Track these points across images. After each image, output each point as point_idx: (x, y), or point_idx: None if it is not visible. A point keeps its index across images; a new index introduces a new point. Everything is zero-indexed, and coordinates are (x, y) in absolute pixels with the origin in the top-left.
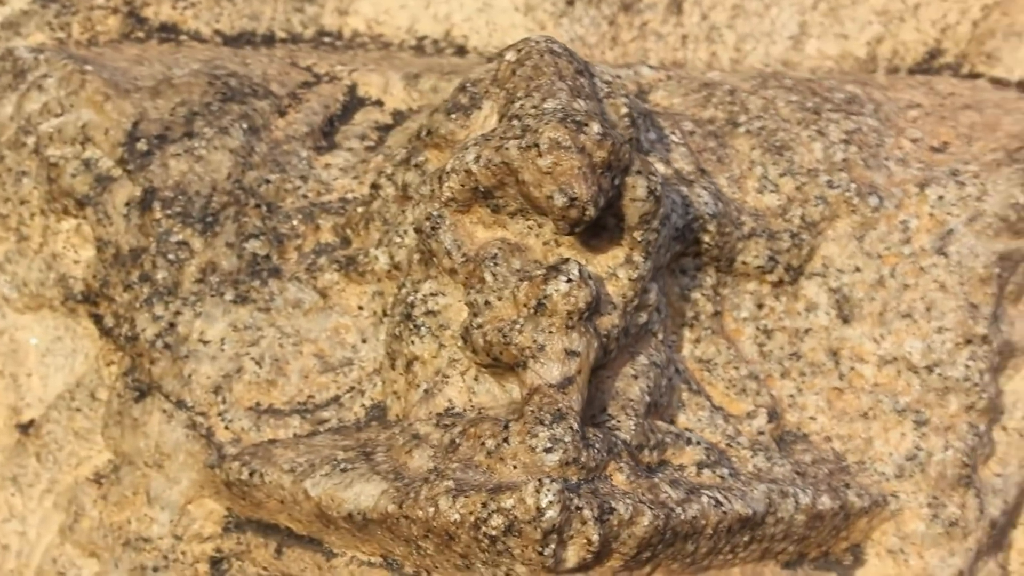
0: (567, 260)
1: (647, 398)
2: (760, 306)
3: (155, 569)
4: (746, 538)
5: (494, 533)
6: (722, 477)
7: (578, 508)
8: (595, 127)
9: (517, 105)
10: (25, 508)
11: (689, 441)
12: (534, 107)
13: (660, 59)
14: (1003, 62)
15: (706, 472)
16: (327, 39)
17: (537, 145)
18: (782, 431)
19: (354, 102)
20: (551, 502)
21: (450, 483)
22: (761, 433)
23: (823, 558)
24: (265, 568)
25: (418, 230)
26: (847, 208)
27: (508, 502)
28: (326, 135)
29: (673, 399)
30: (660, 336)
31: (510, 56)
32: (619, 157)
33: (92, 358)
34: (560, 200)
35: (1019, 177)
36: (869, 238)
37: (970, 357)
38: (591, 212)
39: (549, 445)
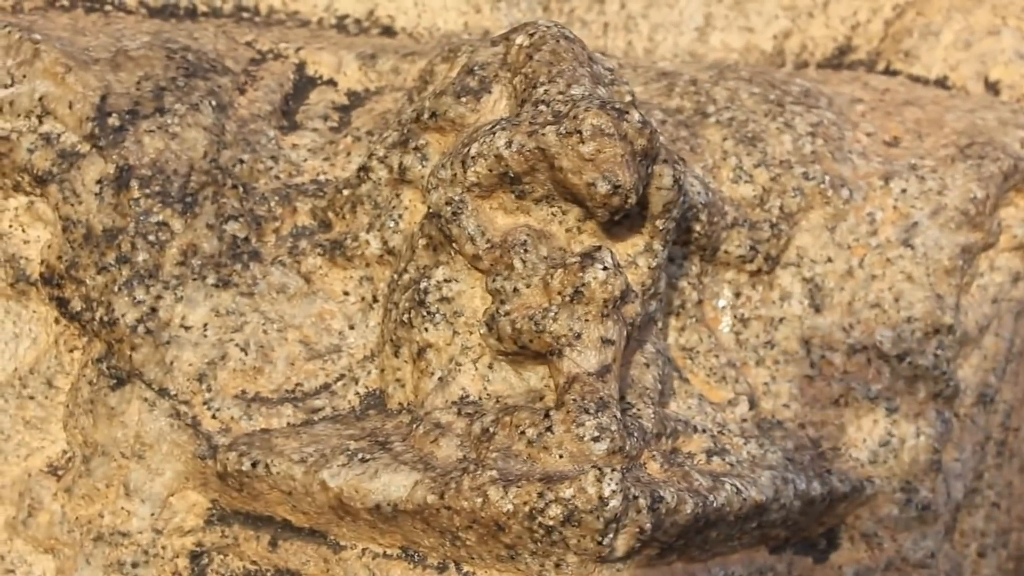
0: (599, 248)
1: (659, 386)
2: (738, 295)
3: (134, 564)
4: (753, 524)
5: (551, 523)
6: (731, 464)
7: (635, 497)
8: (635, 115)
9: (541, 91)
10: None
11: (696, 429)
12: (560, 93)
13: None
14: (920, 60)
15: (715, 459)
16: (245, 14)
17: (579, 131)
18: (759, 419)
19: (305, 81)
20: (614, 491)
21: (494, 473)
22: (744, 420)
23: (801, 542)
24: (255, 562)
25: (435, 215)
26: (821, 199)
27: (567, 492)
28: (285, 114)
29: (666, 387)
30: (660, 324)
31: (521, 40)
32: (654, 145)
33: (45, 344)
34: (604, 187)
35: (974, 172)
36: (840, 229)
37: (938, 346)
38: (633, 199)
39: (596, 434)
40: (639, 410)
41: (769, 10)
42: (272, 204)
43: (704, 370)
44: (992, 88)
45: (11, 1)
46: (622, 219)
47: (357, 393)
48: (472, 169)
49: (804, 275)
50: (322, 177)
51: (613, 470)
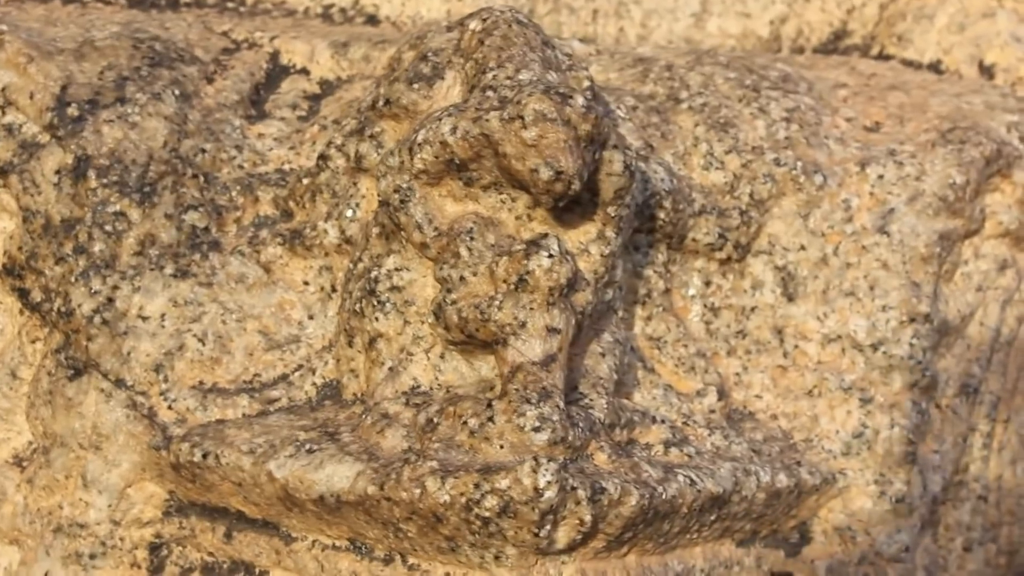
0: (546, 235)
1: (615, 376)
2: (708, 283)
3: (91, 556)
4: (712, 517)
5: (487, 514)
6: (689, 456)
7: (573, 488)
8: (580, 99)
9: (490, 76)
10: None
11: (654, 420)
12: (508, 78)
13: (572, 32)
14: (914, 44)
15: (673, 451)
16: (231, 4)
17: (521, 117)
18: (730, 409)
19: (278, 70)
20: (549, 482)
21: (434, 463)
22: (712, 411)
23: (772, 536)
24: (212, 553)
25: (384, 203)
26: (793, 186)
27: (503, 482)
28: (254, 104)
29: (629, 377)
30: (620, 313)
31: (475, 25)
32: (601, 130)
33: (11, 335)
34: (546, 173)
35: (955, 158)
36: (813, 216)
37: (914, 335)
38: (576, 185)
39: (537, 424)
40: (591, 400)
41: None
42: (234, 194)
43: (672, 360)
44: (986, 72)
45: None
46: (574, 206)
47: (314, 383)
48: (419, 156)
49: (776, 263)
50: (287, 166)
51: (550, 461)
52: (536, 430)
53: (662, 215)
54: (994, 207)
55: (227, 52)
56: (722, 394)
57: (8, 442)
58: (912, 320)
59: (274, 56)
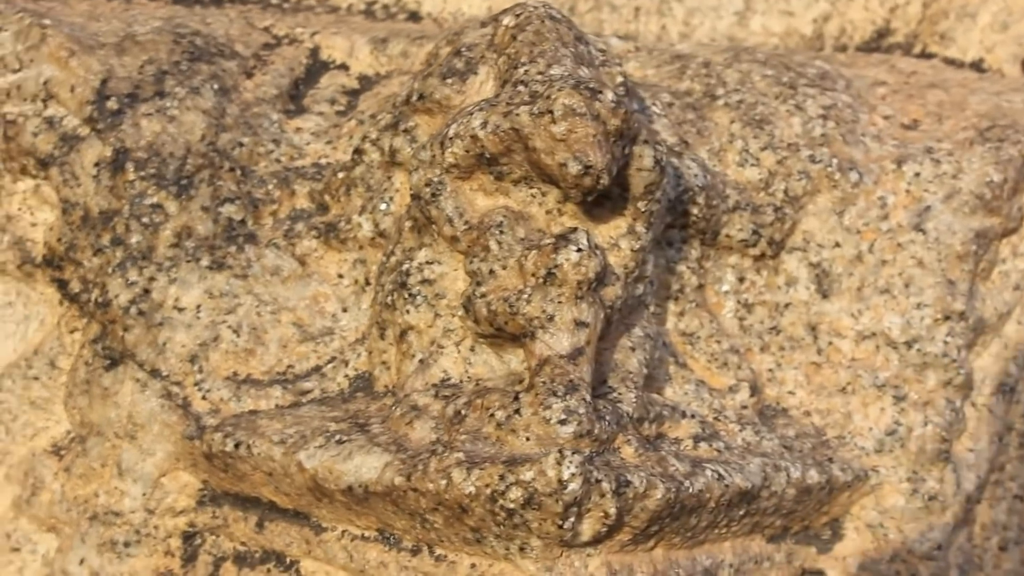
0: (575, 229)
1: (644, 370)
2: (741, 279)
3: (126, 544)
4: (741, 512)
5: (512, 506)
6: (718, 451)
7: (597, 481)
8: (609, 95)
9: (521, 71)
10: None
11: (684, 414)
12: (540, 73)
13: (614, 30)
14: (956, 43)
15: (703, 445)
16: (274, 0)
17: (551, 111)
18: (762, 405)
19: (318, 65)
20: (573, 474)
21: (460, 455)
22: (744, 407)
23: (804, 532)
24: (244, 543)
25: (416, 196)
26: (828, 183)
27: (527, 474)
28: (293, 98)
29: (660, 372)
30: (652, 308)
31: (508, 21)
32: (630, 126)
33: (50, 325)
34: (574, 168)
35: (992, 156)
36: (849, 213)
37: (948, 333)
38: (605, 180)
39: (564, 417)
40: (620, 394)
41: None
42: (270, 187)
43: (705, 355)
44: None
45: None
46: (604, 201)
47: (346, 375)
48: (450, 150)
49: (811, 260)
50: (323, 160)
51: (574, 453)
52: (562, 423)
53: (695, 211)
54: None
55: (267, 47)
56: (755, 390)
57: (47, 431)
58: (947, 318)
59: (314, 52)
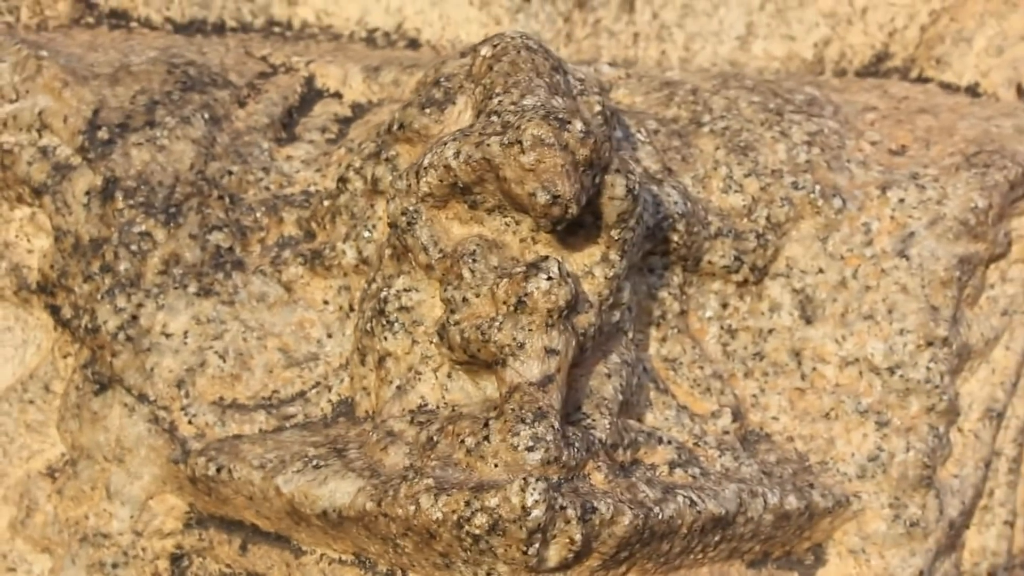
0: (547, 258)
1: (620, 396)
2: (725, 305)
3: (114, 565)
4: (716, 538)
5: (477, 532)
6: (694, 476)
7: (562, 507)
8: (578, 124)
9: (495, 101)
10: None
11: (660, 440)
12: (513, 103)
13: (612, 56)
14: (952, 67)
15: (678, 471)
16: (277, 29)
17: (520, 142)
18: (746, 431)
19: (312, 94)
20: (536, 501)
21: (430, 481)
22: (726, 432)
23: (786, 557)
24: (229, 565)
25: (393, 225)
26: (811, 209)
27: (492, 501)
28: (286, 127)
29: (641, 398)
30: (630, 334)
31: (485, 51)
32: (600, 155)
33: (46, 350)
34: (543, 198)
35: (978, 181)
36: (832, 240)
37: (931, 359)
38: (574, 210)
39: (531, 443)
40: (594, 420)
41: (810, 17)
42: (259, 214)
43: (688, 381)
44: None
45: (37, 20)
46: (577, 229)
47: (330, 400)
48: (424, 179)
49: (794, 286)
50: (312, 188)
51: (538, 480)
52: (530, 449)
53: (675, 237)
54: (1021, 231)
55: (263, 76)
56: (737, 416)
57: (42, 453)
58: (930, 344)
59: (309, 80)
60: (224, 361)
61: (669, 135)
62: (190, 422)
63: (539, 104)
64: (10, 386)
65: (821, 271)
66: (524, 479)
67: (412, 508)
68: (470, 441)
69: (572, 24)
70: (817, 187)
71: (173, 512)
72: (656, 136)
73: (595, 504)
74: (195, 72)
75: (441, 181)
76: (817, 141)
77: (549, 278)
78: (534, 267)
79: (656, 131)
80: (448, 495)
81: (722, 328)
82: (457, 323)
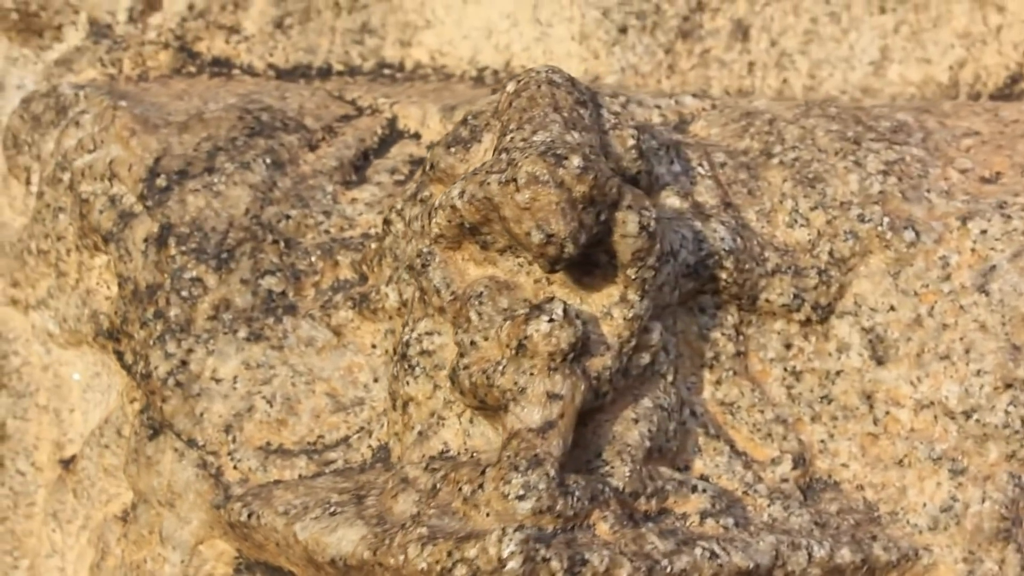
0: (552, 299)
1: (647, 443)
2: (788, 346)
3: None
4: None
5: None
6: (726, 527)
7: (545, 559)
8: (575, 160)
9: (507, 138)
10: (64, 544)
11: (695, 488)
12: (523, 140)
13: (724, 87)
14: None
15: (709, 521)
16: (387, 71)
17: (516, 180)
18: (811, 478)
19: (393, 135)
20: (513, 552)
21: (423, 530)
22: (785, 480)
23: None
24: None
25: (410, 267)
26: (880, 243)
27: (471, 552)
28: (358, 169)
29: (688, 444)
30: (670, 378)
31: (510, 87)
32: (603, 191)
33: (117, 394)
34: (537, 236)
35: None
36: (905, 275)
37: (1010, 402)
38: (570, 249)
39: (522, 492)
40: (613, 467)
41: (945, 39)
42: (314, 258)
43: (747, 426)
44: None
45: (139, 71)
46: (593, 269)
47: (370, 446)
48: (435, 220)
49: (863, 324)
50: (372, 231)
51: (517, 530)
52: (520, 498)
53: (724, 275)
54: None
55: (344, 119)
56: (799, 462)
57: (119, 497)
58: (1008, 386)
59: (391, 121)
60: (271, 406)
61: (737, 168)
62: (235, 467)
63: (546, 140)
64: (92, 431)
65: (892, 308)
66: (503, 529)
67: (401, 558)
68: (467, 489)
69: (675, 55)
70: (886, 219)
71: (223, 557)
72: (722, 169)
73: (587, 556)
74: (267, 117)
75: (449, 222)
76: (895, 170)
77: (551, 320)
78: (537, 309)
79: (723, 164)
80: (434, 545)
81: (786, 370)
82: (466, 367)
